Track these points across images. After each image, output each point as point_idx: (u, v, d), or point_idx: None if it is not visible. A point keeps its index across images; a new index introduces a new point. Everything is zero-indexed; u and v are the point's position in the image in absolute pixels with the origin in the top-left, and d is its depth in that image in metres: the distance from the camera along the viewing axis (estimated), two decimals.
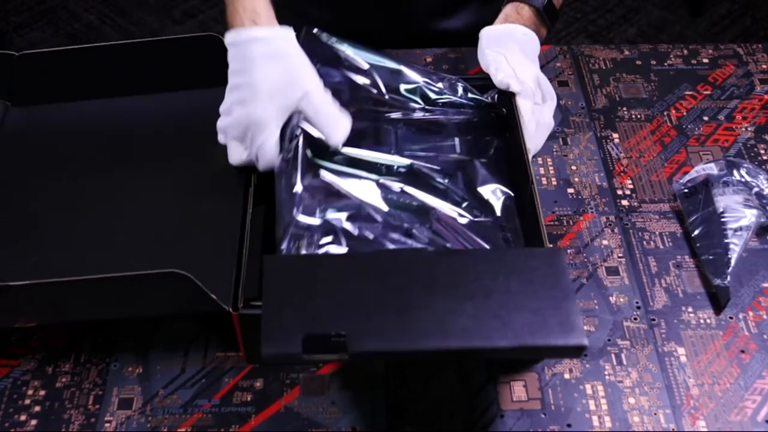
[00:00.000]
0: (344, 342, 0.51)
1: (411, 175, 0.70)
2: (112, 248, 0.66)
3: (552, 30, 0.81)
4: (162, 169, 0.73)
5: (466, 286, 0.54)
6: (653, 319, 0.67)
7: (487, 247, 0.64)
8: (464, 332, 0.52)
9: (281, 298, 0.53)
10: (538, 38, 0.78)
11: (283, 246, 0.60)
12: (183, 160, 0.74)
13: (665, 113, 0.85)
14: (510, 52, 0.74)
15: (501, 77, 0.72)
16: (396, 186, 0.68)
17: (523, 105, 0.71)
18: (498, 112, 0.76)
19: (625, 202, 0.76)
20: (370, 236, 0.63)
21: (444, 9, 0.96)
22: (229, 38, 0.68)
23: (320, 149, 0.68)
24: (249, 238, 0.62)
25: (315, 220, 0.63)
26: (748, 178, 0.74)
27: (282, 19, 0.71)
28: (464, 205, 0.68)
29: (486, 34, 0.77)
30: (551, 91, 0.74)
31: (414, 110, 0.75)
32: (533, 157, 0.76)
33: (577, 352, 0.56)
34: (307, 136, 0.67)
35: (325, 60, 0.72)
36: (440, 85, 0.75)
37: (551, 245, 0.65)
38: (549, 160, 0.80)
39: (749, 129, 0.83)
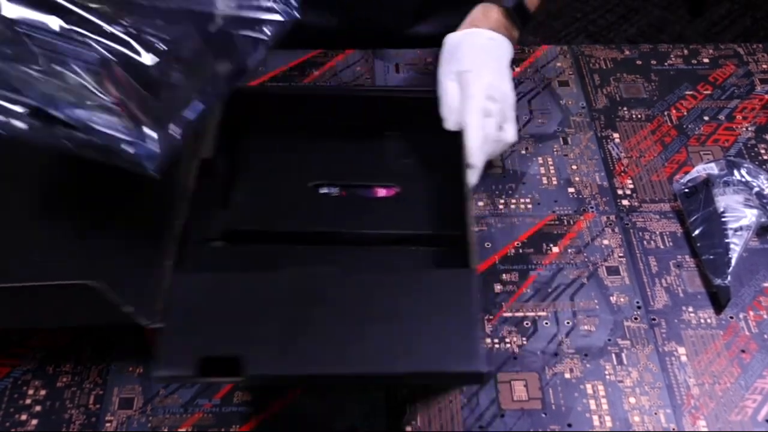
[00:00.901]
0: (239, 365, 0.51)
1: None
2: (48, 255, 0.64)
3: (524, 32, 0.77)
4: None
5: (372, 308, 0.54)
6: (654, 319, 0.67)
7: None
8: (363, 358, 0.52)
9: (184, 319, 0.53)
10: (510, 41, 0.74)
11: None
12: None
13: (665, 113, 0.85)
14: (465, 64, 0.70)
15: (447, 125, 0.68)
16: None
17: (470, 120, 0.67)
18: None
19: (625, 202, 0.76)
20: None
21: (416, 13, 0.94)
22: None
23: None
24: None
25: None
26: (749, 178, 0.74)
27: None
28: None
29: (448, 40, 0.74)
30: (511, 106, 0.70)
31: None
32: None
33: (476, 379, 0.56)
34: None
35: None
36: None
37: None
38: (549, 159, 0.80)
39: (750, 129, 0.83)
